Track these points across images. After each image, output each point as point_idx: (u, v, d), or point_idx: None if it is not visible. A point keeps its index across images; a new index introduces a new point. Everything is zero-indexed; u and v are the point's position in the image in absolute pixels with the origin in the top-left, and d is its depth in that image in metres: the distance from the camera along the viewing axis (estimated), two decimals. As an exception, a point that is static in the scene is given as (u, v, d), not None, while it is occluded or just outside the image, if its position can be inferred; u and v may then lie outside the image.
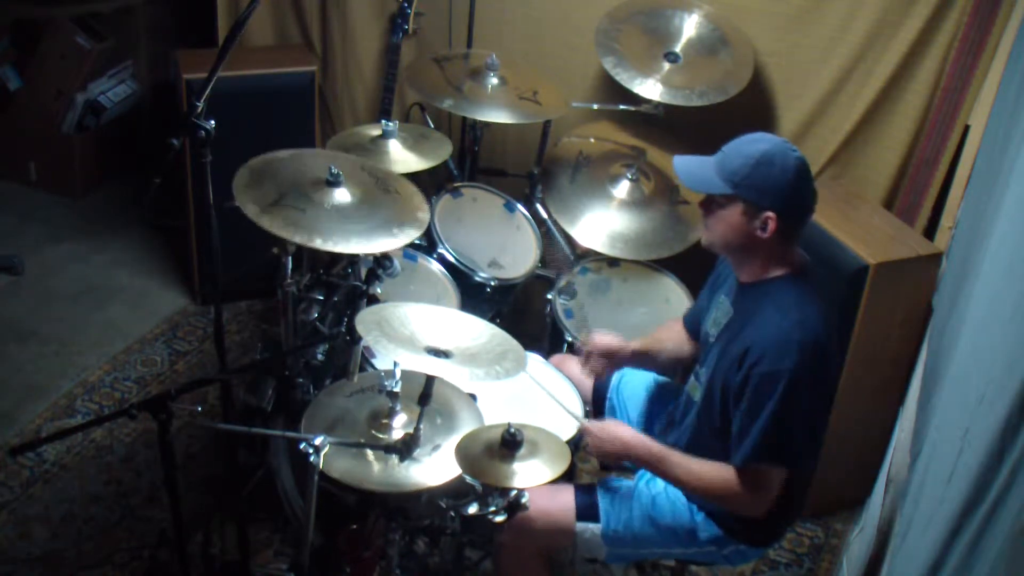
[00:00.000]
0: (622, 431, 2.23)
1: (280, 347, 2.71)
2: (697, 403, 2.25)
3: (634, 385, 2.59)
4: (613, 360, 2.47)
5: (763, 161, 2.04)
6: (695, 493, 2.21)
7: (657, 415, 2.52)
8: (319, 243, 2.25)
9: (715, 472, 2.13)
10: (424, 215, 2.44)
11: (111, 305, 3.76)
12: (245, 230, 2.25)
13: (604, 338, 2.46)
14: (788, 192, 2.04)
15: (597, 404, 2.60)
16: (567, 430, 2.39)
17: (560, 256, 3.29)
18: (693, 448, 2.21)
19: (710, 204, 2.15)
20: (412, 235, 2.36)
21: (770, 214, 2.04)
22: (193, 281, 3.81)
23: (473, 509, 2.19)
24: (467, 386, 2.30)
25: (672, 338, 2.51)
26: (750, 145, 2.09)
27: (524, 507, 2.14)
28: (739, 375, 2.06)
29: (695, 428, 2.25)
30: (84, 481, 3.00)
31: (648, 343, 2.51)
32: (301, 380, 2.66)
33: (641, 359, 2.50)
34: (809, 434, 2.10)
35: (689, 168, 2.18)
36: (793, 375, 2.00)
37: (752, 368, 2.03)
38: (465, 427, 2.20)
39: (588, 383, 2.60)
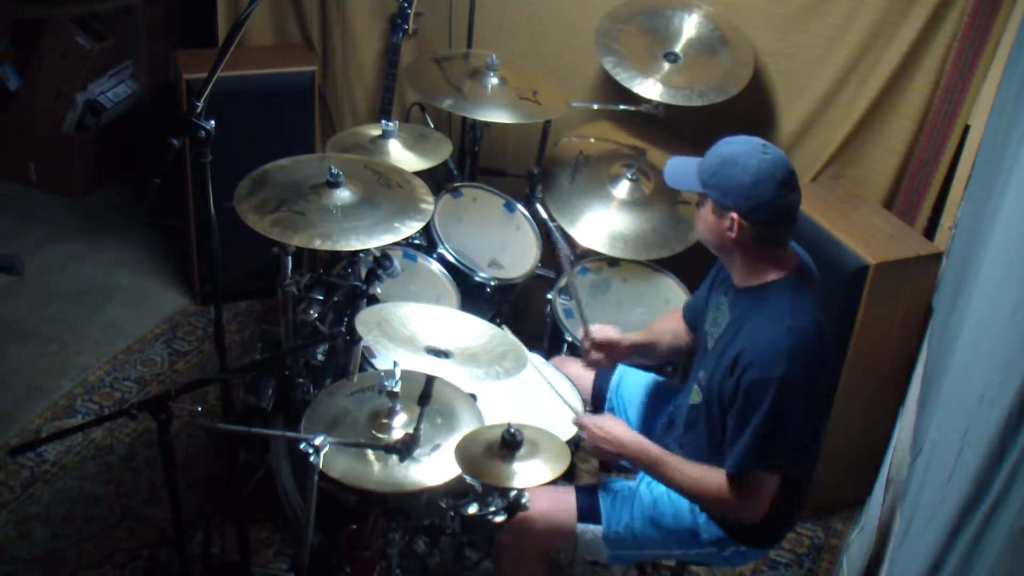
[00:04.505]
0: (619, 430, 2.23)
1: (280, 347, 2.71)
2: (700, 406, 2.24)
3: (634, 385, 2.59)
4: (613, 353, 2.47)
5: (729, 161, 2.06)
6: (689, 497, 2.20)
7: (658, 415, 2.52)
8: (318, 244, 2.25)
9: (709, 477, 2.13)
10: (428, 205, 2.43)
11: (111, 305, 3.75)
12: (245, 230, 2.26)
13: (603, 330, 2.47)
14: (749, 193, 2.03)
15: (597, 404, 2.60)
16: (567, 430, 2.38)
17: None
18: (696, 452, 2.20)
19: (697, 202, 2.18)
20: (415, 226, 2.36)
21: (733, 215, 2.05)
22: (193, 281, 3.80)
23: (473, 509, 2.19)
24: (467, 386, 2.30)
25: (671, 329, 2.52)
26: (726, 146, 2.10)
27: (524, 507, 2.14)
28: (731, 381, 2.06)
29: (698, 432, 2.25)
30: (84, 481, 3.00)
31: (646, 336, 2.52)
32: (301, 380, 2.66)
33: (640, 351, 2.51)
34: (801, 440, 2.09)
35: (676, 165, 2.20)
36: (783, 382, 1.99)
37: (742, 375, 2.03)
38: (465, 427, 2.20)
39: (588, 383, 2.60)
